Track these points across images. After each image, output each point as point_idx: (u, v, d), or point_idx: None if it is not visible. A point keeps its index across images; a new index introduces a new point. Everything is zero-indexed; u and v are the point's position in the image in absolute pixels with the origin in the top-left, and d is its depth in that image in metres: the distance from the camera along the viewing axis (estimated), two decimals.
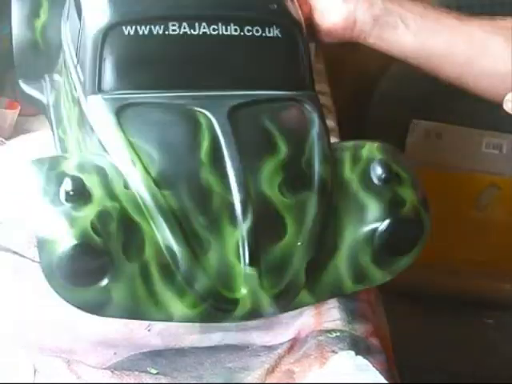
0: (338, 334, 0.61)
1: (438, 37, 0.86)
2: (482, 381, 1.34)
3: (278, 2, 0.74)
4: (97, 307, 0.57)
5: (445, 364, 1.45)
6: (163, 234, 0.58)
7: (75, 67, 0.71)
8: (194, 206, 0.60)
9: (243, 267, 0.59)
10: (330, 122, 1.17)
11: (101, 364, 0.59)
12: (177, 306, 0.58)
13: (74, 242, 0.55)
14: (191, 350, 0.61)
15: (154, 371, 0.58)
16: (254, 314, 0.60)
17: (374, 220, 0.64)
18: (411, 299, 1.43)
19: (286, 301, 0.61)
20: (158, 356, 0.60)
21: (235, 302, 0.59)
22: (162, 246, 0.58)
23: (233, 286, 0.59)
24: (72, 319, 0.63)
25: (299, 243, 0.61)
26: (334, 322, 0.63)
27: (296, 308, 0.62)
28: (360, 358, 0.58)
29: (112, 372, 0.58)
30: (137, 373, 0.58)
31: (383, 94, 1.75)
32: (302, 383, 0.57)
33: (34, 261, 0.72)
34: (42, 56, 0.85)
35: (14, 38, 0.86)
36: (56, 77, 0.85)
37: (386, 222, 0.63)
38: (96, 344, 0.61)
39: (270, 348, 0.61)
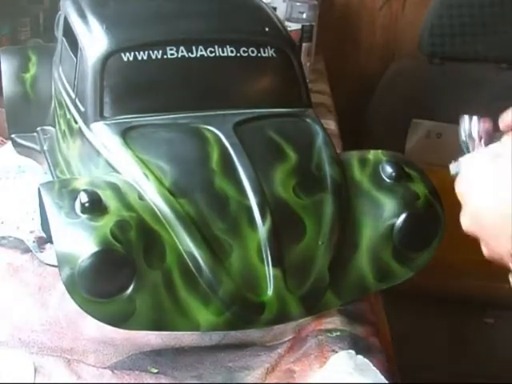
0: (339, 333, 0.61)
1: None
2: (482, 381, 1.34)
3: (270, 25, 0.75)
4: (121, 320, 0.56)
5: (445, 364, 1.45)
6: (183, 241, 0.58)
7: (73, 101, 0.72)
8: (211, 212, 0.60)
9: (267, 268, 0.59)
10: (331, 124, 1.18)
11: (101, 363, 0.59)
12: (202, 315, 0.58)
13: (95, 248, 0.55)
14: (191, 349, 0.61)
15: (155, 370, 0.58)
16: (281, 317, 0.60)
17: (390, 216, 0.64)
18: (411, 299, 1.43)
19: (312, 302, 0.61)
20: (158, 355, 0.60)
21: (262, 306, 0.59)
22: (183, 252, 0.58)
23: (258, 288, 0.59)
24: (72, 319, 0.63)
25: (320, 242, 0.62)
26: (334, 322, 0.63)
27: (322, 310, 0.62)
28: (360, 358, 0.58)
29: (112, 371, 0.58)
30: (137, 372, 0.58)
31: (383, 94, 1.75)
32: (302, 383, 0.57)
33: (35, 255, 0.72)
34: (33, 108, 0.87)
35: (4, 93, 0.87)
36: (48, 128, 0.86)
37: (403, 216, 0.64)
38: (96, 343, 0.61)
39: (270, 347, 0.61)
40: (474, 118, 0.60)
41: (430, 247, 0.65)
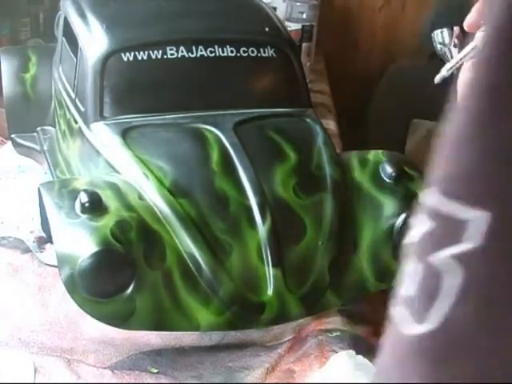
0: (339, 333, 0.61)
1: None
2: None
3: (270, 25, 0.75)
4: (121, 319, 0.56)
5: None
6: (183, 241, 0.58)
7: (73, 101, 0.72)
8: (211, 212, 0.60)
9: (267, 268, 0.59)
10: (331, 124, 1.18)
11: (101, 363, 0.59)
12: (202, 315, 0.58)
13: (95, 249, 0.55)
14: (191, 349, 0.61)
15: (155, 370, 0.58)
16: (281, 317, 0.60)
17: (391, 216, 0.64)
18: None
19: (312, 302, 0.61)
20: (158, 355, 0.60)
21: (262, 306, 0.59)
22: (184, 252, 0.58)
23: (258, 288, 0.59)
24: (72, 319, 0.63)
25: (320, 242, 0.62)
26: (334, 322, 0.63)
27: (322, 310, 0.62)
28: (360, 358, 0.58)
29: (112, 371, 0.58)
30: (137, 372, 0.58)
31: (383, 94, 1.75)
32: (302, 383, 0.57)
33: (35, 255, 0.72)
34: (33, 107, 0.87)
35: (4, 94, 0.88)
36: (48, 128, 0.86)
37: (403, 216, 0.64)
38: (96, 343, 0.61)
39: (270, 347, 0.61)
40: (444, 29, 0.66)
41: None
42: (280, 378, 0.57)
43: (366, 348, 0.60)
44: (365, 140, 1.72)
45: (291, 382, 0.57)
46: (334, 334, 0.61)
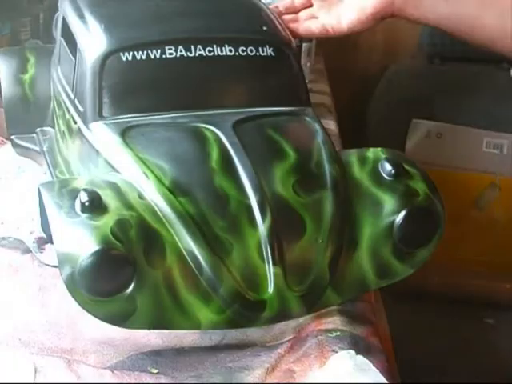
0: (339, 333, 0.61)
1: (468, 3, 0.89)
2: (482, 381, 1.34)
3: (269, 24, 0.76)
4: (122, 318, 0.56)
5: (445, 364, 1.45)
6: (184, 240, 0.58)
7: (72, 102, 0.72)
8: (211, 211, 0.60)
9: (267, 266, 0.59)
10: (331, 124, 1.18)
11: (101, 364, 0.59)
12: (203, 313, 0.58)
13: (95, 248, 0.54)
14: (191, 349, 0.61)
15: (155, 371, 0.58)
16: (282, 315, 0.60)
17: (390, 213, 0.64)
18: (411, 299, 1.44)
19: (313, 300, 0.61)
20: (158, 355, 0.60)
21: (262, 304, 0.59)
22: (184, 251, 0.58)
23: (258, 287, 0.59)
24: (72, 319, 0.63)
25: (320, 240, 0.62)
26: (335, 322, 0.63)
27: (322, 308, 0.62)
28: (360, 358, 0.58)
29: (112, 372, 0.58)
30: (137, 372, 0.58)
31: (383, 94, 1.75)
32: (302, 383, 0.57)
33: (35, 255, 0.72)
34: (32, 109, 0.87)
35: (3, 95, 0.88)
36: (47, 129, 0.87)
37: (403, 213, 0.64)
38: (96, 343, 0.61)
39: (270, 347, 0.61)
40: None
41: (430, 244, 0.65)
42: (280, 378, 0.57)
43: (366, 348, 0.60)
44: (365, 140, 1.73)
45: (291, 381, 0.57)
46: (334, 334, 0.61)
